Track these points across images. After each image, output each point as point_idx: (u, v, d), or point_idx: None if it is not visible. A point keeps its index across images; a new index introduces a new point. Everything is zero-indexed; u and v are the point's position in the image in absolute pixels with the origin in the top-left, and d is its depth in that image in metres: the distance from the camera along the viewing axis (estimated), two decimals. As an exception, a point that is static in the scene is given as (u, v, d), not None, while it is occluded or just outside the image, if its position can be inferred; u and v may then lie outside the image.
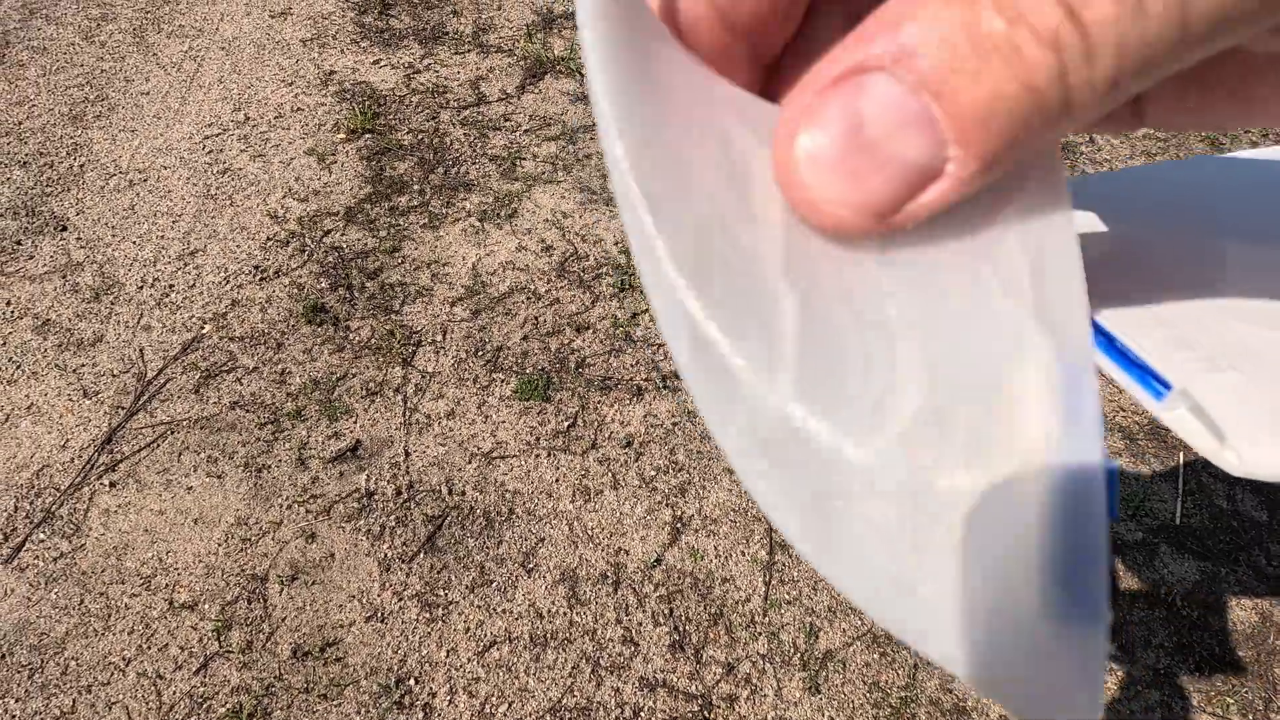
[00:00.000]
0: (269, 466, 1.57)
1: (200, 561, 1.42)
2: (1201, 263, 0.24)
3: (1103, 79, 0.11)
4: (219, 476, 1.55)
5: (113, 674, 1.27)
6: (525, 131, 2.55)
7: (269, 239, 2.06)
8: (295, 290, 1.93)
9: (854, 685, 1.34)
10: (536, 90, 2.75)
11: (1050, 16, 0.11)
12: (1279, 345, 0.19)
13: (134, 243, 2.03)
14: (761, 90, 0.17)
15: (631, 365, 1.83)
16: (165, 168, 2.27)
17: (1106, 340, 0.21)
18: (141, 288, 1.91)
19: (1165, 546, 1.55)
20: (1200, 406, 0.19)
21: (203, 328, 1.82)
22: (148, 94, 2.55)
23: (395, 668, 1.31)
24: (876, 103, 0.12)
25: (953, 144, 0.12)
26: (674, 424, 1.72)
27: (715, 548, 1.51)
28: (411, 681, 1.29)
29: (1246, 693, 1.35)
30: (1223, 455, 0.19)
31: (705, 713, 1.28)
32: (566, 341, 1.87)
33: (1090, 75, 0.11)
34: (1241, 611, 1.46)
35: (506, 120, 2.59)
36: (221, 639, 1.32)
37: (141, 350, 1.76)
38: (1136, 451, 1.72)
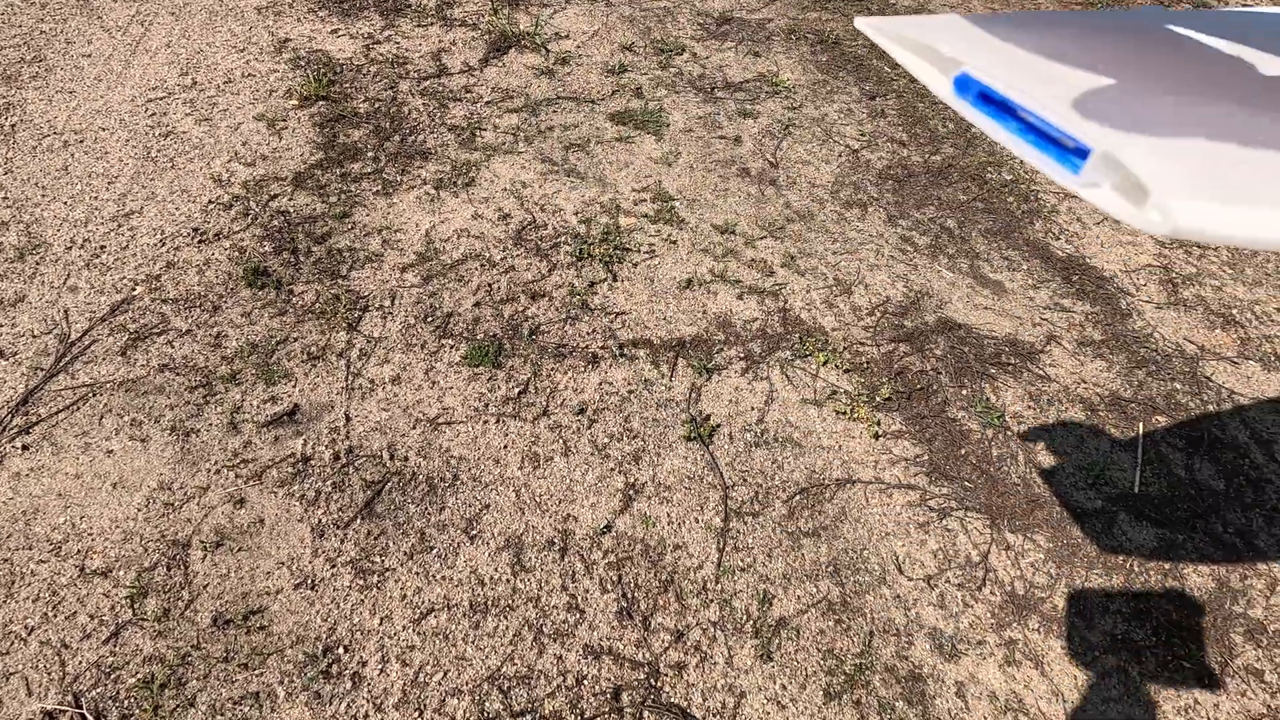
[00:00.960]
0: (198, 430, 1.48)
1: (117, 527, 1.33)
2: (1132, 45, 0.21)
3: None
4: (143, 440, 1.46)
5: (13, 643, 1.18)
6: (487, 103, 2.48)
7: (211, 202, 1.97)
8: (236, 253, 1.84)
9: (807, 653, 1.29)
10: (500, 64, 2.69)
11: None
12: (1200, 113, 0.18)
13: (65, 203, 1.92)
14: None
15: (588, 333, 1.77)
16: (103, 129, 2.16)
17: (1008, 111, 0.19)
18: (70, 248, 1.81)
19: (1124, 515, 1.53)
20: (1122, 165, 0.17)
21: (134, 289, 1.73)
22: (89, 56, 2.44)
23: (324, 636, 1.23)
24: None
25: None
26: (630, 392, 1.66)
27: (668, 515, 1.45)
28: (340, 650, 1.21)
29: (1203, 657, 1.33)
30: (1145, 216, 0.17)
31: (652, 680, 1.22)
32: (521, 309, 1.81)
33: None
34: (1198, 578, 1.44)
35: (468, 92, 2.52)
36: (136, 607, 1.23)
37: (66, 311, 1.67)
38: (1096, 422, 1.70)
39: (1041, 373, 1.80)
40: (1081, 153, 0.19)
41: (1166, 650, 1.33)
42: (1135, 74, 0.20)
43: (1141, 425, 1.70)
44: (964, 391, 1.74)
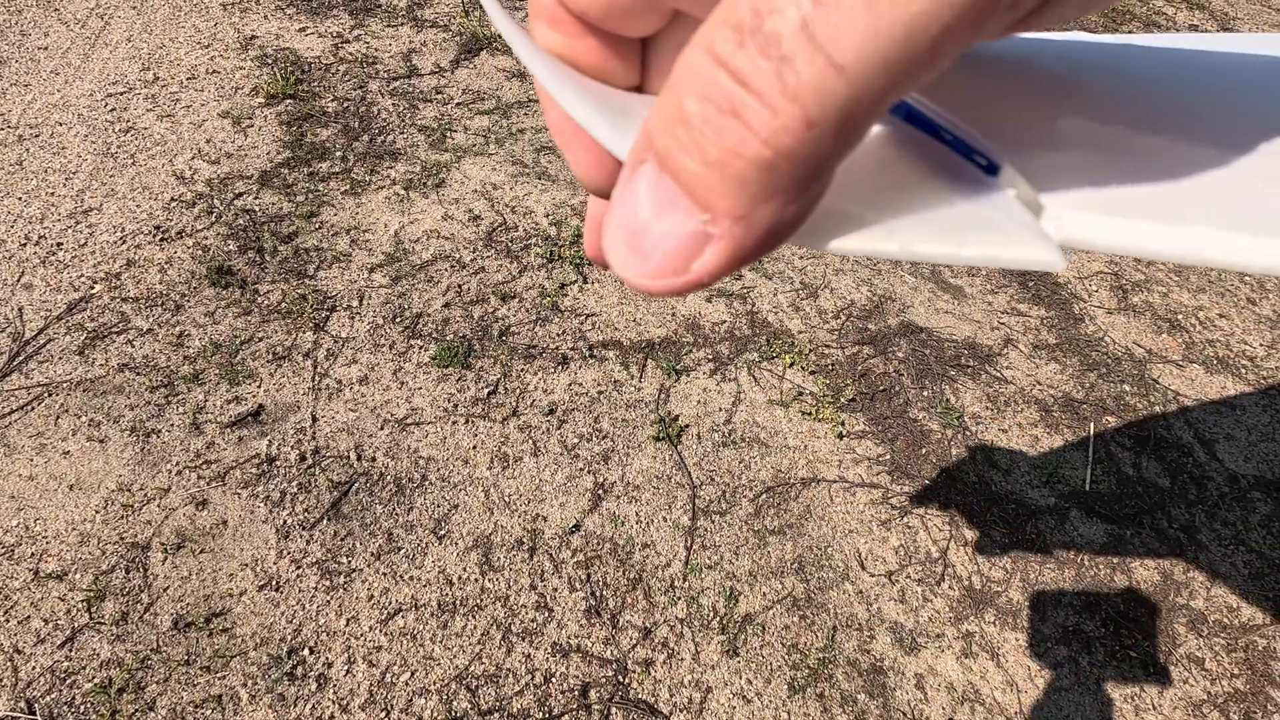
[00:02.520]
0: (159, 431, 1.46)
1: (74, 529, 1.30)
2: (1032, 73, 0.23)
3: (792, 122, 0.12)
4: (101, 441, 1.42)
5: (-38, 649, 1.15)
6: (457, 105, 2.48)
7: (173, 199, 1.94)
8: (200, 252, 1.82)
9: (772, 648, 1.31)
10: (471, 65, 2.69)
11: (722, 88, 0.12)
12: (1087, 130, 0.19)
13: (20, 199, 1.87)
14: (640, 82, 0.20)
15: (558, 334, 1.78)
16: (61, 124, 2.11)
17: (932, 130, 0.20)
18: (25, 245, 1.76)
19: (1076, 511, 1.58)
20: (1020, 180, 0.18)
21: (92, 287, 1.69)
22: (46, 49, 2.37)
23: (289, 638, 1.22)
24: (643, 190, 0.14)
25: (700, 211, 0.13)
26: (600, 392, 1.68)
27: (637, 513, 1.47)
28: (306, 651, 1.20)
29: (1148, 647, 1.38)
30: (1038, 251, 0.18)
31: (620, 677, 1.24)
32: (491, 310, 1.81)
33: (777, 124, 0.12)
34: (1145, 571, 1.50)
35: (438, 93, 2.52)
36: (93, 610, 1.21)
37: (20, 309, 1.62)
38: (1050, 423, 1.76)
39: (999, 375, 1.86)
40: (993, 170, 0.20)
41: (1115, 641, 1.39)
42: (1032, 96, 0.22)
43: (1092, 425, 1.77)
44: (925, 393, 1.79)
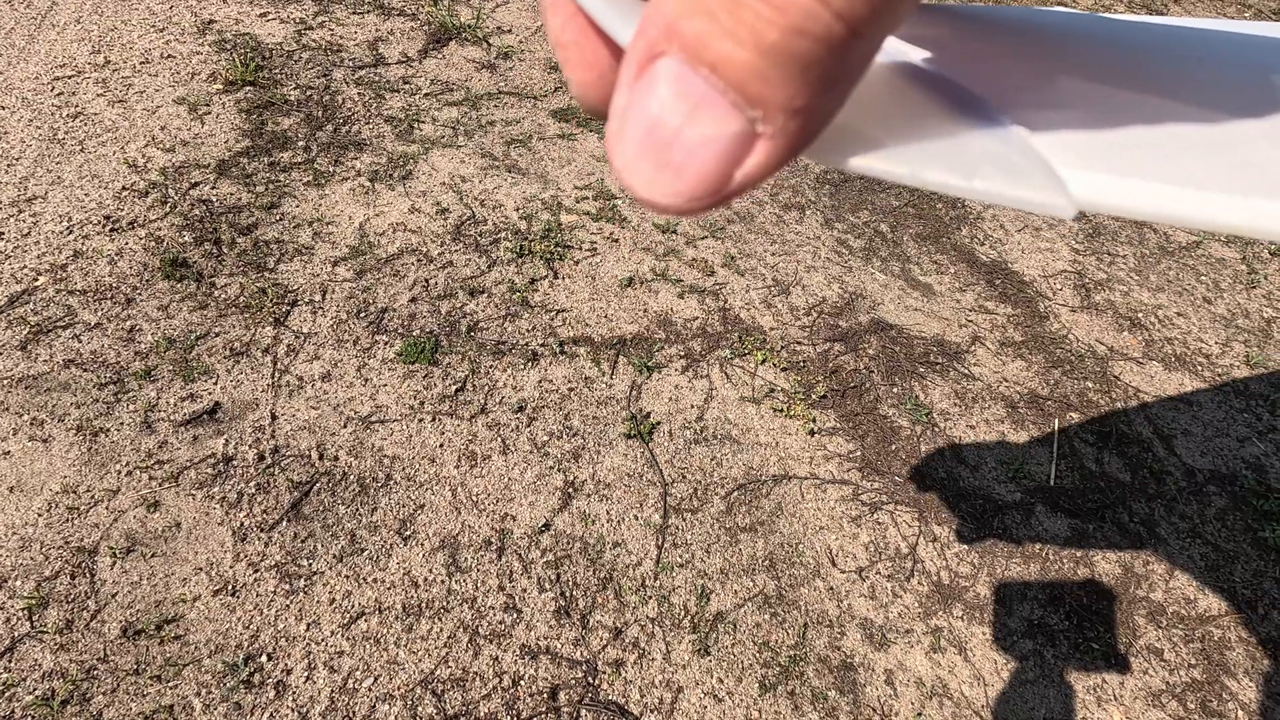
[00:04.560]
0: (107, 430, 1.39)
1: (14, 534, 1.23)
2: (1030, 39, 0.22)
3: None
4: (45, 440, 1.36)
5: (-110, 662, 1.08)
6: (425, 95, 2.42)
7: (125, 188, 1.86)
8: (153, 243, 1.74)
9: (744, 646, 1.31)
10: (440, 55, 2.63)
11: None
12: (1100, 94, 0.18)
13: (-43, 185, 1.78)
14: None
15: (528, 330, 1.75)
16: (3, 108, 2.01)
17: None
18: (-37, 234, 1.67)
19: (1041, 506, 1.61)
20: (1029, 140, 0.17)
21: (36, 279, 1.61)
22: (-12, 28, 2.26)
23: (246, 644, 1.17)
24: (666, 90, 0.12)
25: (749, 107, 0.12)
26: (570, 389, 1.65)
27: (608, 512, 1.45)
28: (264, 658, 1.16)
29: (1110, 639, 1.41)
30: (1048, 194, 0.17)
31: (590, 679, 1.22)
32: (459, 305, 1.77)
33: None
34: (1107, 564, 1.53)
35: (406, 83, 2.46)
36: (34, 618, 1.15)
37: (-42, 302, 1.54)
38: (1016, 419, 1.79)
39: (966, 372, 1.88)
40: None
41: (1078, 633, 1.41)
42: (1038, 59, 0.21)
43: (1057, 421, 1.80)
44: (895, 389, 1.80)
